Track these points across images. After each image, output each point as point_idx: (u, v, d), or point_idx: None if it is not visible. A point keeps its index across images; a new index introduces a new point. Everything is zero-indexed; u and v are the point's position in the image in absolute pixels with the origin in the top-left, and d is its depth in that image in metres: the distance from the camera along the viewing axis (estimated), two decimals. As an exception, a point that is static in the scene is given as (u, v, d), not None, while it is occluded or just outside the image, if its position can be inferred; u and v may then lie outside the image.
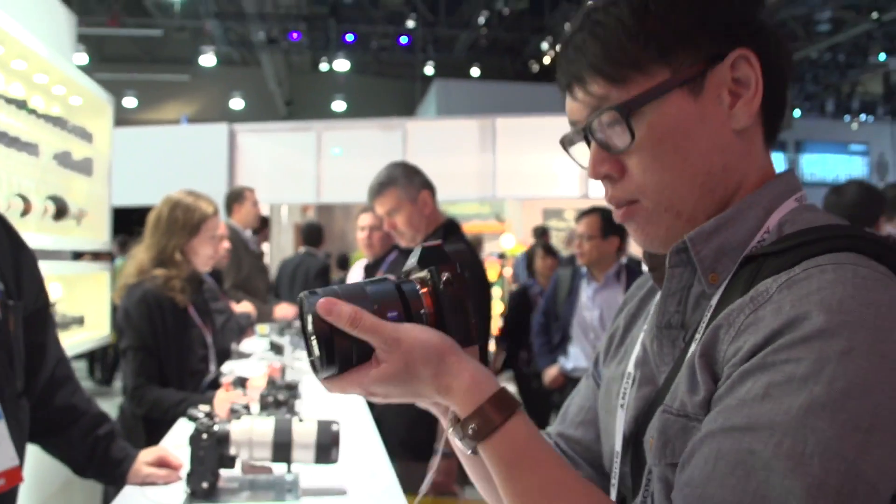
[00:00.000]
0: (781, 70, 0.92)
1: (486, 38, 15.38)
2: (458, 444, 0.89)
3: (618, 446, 0.97)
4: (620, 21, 0.88)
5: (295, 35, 14.47)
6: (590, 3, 0.94)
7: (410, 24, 14.36)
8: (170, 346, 2.93)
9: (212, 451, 1.71)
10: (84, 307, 4.81)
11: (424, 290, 0.87)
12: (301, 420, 1.80)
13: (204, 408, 1.81)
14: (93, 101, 4.90)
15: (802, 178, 18.17)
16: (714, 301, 0.87)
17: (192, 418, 1.77)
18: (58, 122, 4.37)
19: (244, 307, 4.49)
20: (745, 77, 0.88)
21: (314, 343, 0.84)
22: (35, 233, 4.02)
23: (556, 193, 9.04)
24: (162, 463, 1.96)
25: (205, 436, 1.71)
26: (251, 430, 1.76)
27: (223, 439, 1.73)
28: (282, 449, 1.75)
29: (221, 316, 4.09)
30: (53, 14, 4.94)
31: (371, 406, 3.01)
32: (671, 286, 0.93)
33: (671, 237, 0.92)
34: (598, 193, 7.44)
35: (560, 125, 0.99)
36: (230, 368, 3.29)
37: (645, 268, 1.07)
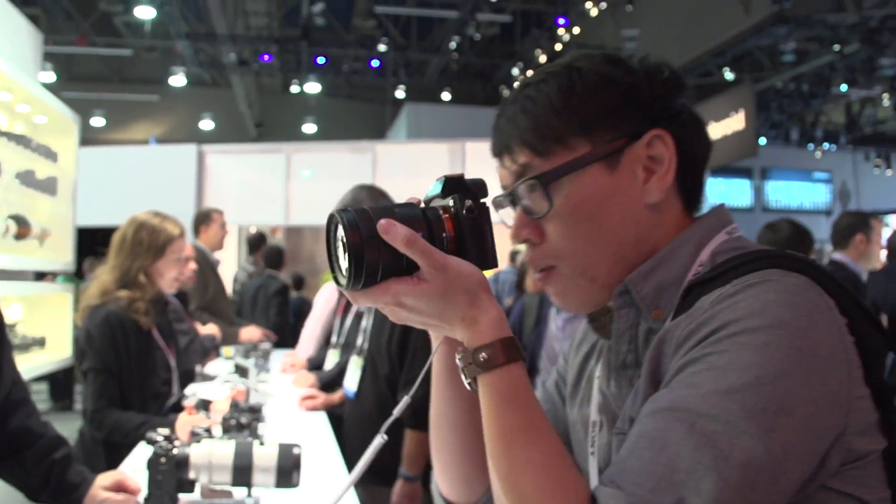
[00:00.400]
0: (697, 151, 1.00)
1: (457, 63, 15.47)
2: (451, 384, 0.99)
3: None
4: (548, 97, 0.97)
5: (266, 57, 14.42)
6: (524, 77, 1.04)
7: (382, 47, 14.39)
8: (132, 368, 2.88)
9: (170, 475, 1.68)
10: (45, 329, 4.73)
11: (446, 215, 0.91)
12: (262, 443, 1.78)
13: (163, 431, 1.78)
14: (58, 119, 4.85)
15: (768, 204, 18.63)
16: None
17: (151, 442, 1.74)
18: (21, 140, 4.31)
19: (209, 329, 4.44)
20: (660, 155, 0.96)
21: (341, 256, 0.88)
22: (-4, 252, 3.96)
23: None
24: (120, 487, 1.91)
25: (163, 459, 1.67)
26: (211, 454, 1.72)
27: (182, 463, 1.70)
28: (242, 472, 1.72)
29: (186, 337, 4.04)
30: (19, 32, 4.90)
31: (335, 429, 2.98)
32: (620, 327, 0.99)
33: (587, 301, 1.01)
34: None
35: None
36: (193, 391, 3.24)
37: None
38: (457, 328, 0.89)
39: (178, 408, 3.06)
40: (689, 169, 0.99)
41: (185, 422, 2.63)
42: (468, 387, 0.89)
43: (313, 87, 15.38)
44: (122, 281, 2.96)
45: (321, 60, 14.83)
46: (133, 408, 2.85)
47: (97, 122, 16.69)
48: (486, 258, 0.91)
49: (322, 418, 3.21)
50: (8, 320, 4.29)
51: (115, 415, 2.78)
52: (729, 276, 0.87)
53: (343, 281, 0.88)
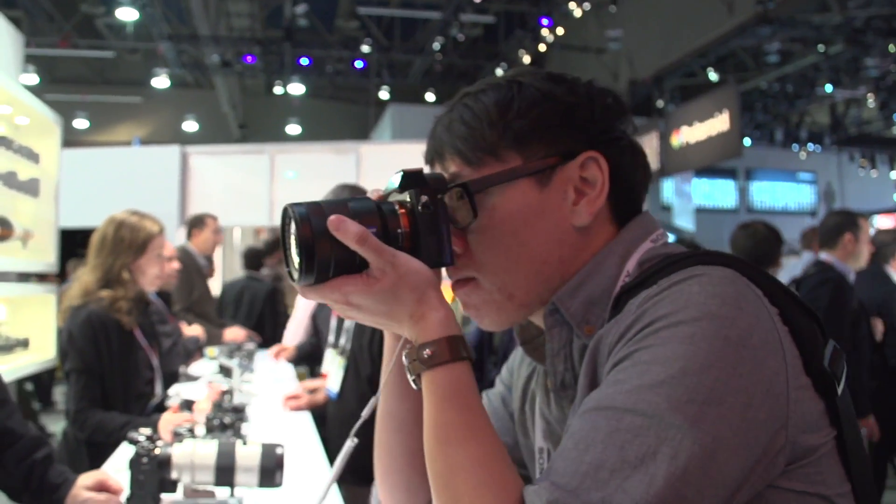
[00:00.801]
0: (634, 179, 0.99)
1: (441, 64, 15.48)
2: (400, 382, 0.99)
3: None
4: (486, 108, 0.95)
5: (249, 58, 14.38)
6: (466, 88, 1.01)
7: (366, 48, 14.37)
8: (114, 368, 2.87)
9: (152, 475, 1.67)
10: (29, 329, 4.70)
11: (402, 210, 0.91)
12: (245, 443, 1.78)
13: (145, 431, 1.77)
14: (40, 121, 4.83)
15: (752, 205, 18.72)
16: None
17: (133, 441, 1.74)
18: (2, 141, 4.29)
19: (194, 330, 4.44)
20: (593, 177, 0.94)
21: (294, 251, 0.88)
22: (-22, 254, 3.94)
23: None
24: (102, 487, 1.91)
25: (145, 459, 1.67)
26: (193, 454, 1.72)
27: (164, 463, 1.70)
28: (224, 472, 1.72)
29: (169, 339, 4.03)
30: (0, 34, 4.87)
31: (319, 429, 2.98)
32: (553, 346, 0.96)
33: (502, 318, 0.99)
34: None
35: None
36: (176, 391, 3.24)
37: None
38: (405, 326, 0.89)
39: (161, 408, 3.06)
40: (624, 195, 0.97)
41: (168, 421, 2.63)
42: (412, 384, 0.89)
43: (297, 89, 15.33)
44: (104, 280, 2.95)
45: (305, 62, 14.78)
46: (116, 408, 2.84)
47: (80, 124, 16.59)
48: (442, 255, 0.91)
49: (306, 418, 3.21)
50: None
51: (97, 415, 2.77)
52: (655, 278, 0.86)
53: (295, 275, 0.88)
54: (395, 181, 0.93)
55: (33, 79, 13.72)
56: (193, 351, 4.30)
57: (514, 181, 0.93)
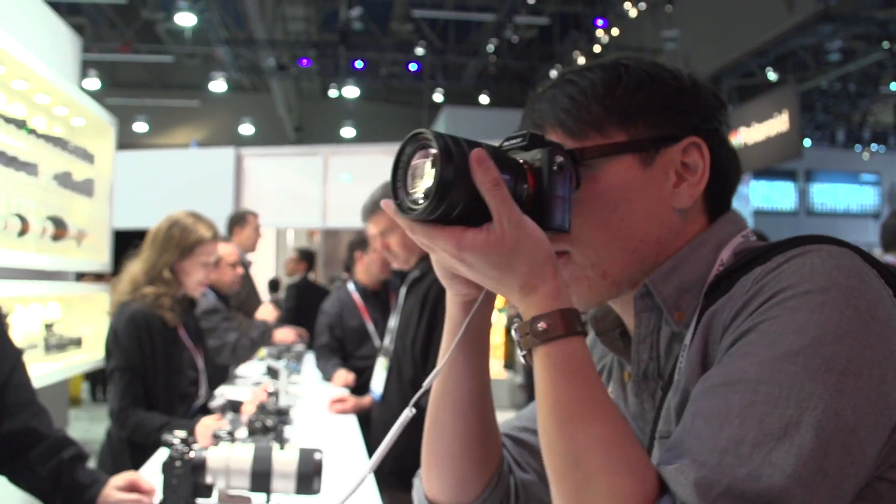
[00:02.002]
0: (729, 172, 0.98)
1: (495, 66, 15.42)
2: (466, 355, 0.95)
3: None
4: (592, 83, 0.94)
5: (305, 61, 14.52)
6: (568, 67, 1.00)
7: (420, 51, 14.40)
8: (157, 367, 2.86)
9: (185, 480, 1.64)
10: (82, 329, 4.76)
11: (527, 167, 0.85)
12: (282, 448, 1.73)
13: (180, 433, 1.74)
14: (96, 122, 4.90)
15: (812, 207, 18.28)
16: (687, 340, 0.88)
17: (167, 444, 1.70)
18: (58, 142, 4.35)
19: (264, 313, 4.41)
20: (694, 163, 0.93)
21: (423, 179, 0.79)
22: (35, 253, 4.00)
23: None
24: (133, 488, 1.88)
25: (178, 463, 1.64)
26: (228, 458, 1.68)
27: (199, 467, 1.66)
28: (260, 478, 1.67)
29: (234, 333, 4.03)
30: (58, 37, 4.95)
31: (364, 433, 2.93)
32: (640, 332, 0.93)
33: (592, 296, 0.95)
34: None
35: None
36: (222, 392, 3.22)
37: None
38: (514, 295, 0.83)
39: (205, 410, 3.04)
40: (719, 185, 0.96)
41: (207, 426, 2.60)
42: (522, 360, 0.84)
43: (352, 91, 15.41)
44: (148, 275, 2.95)
45: (359, 64, 14.87)
46: (158, 408, 2.82)
47: (140, 127, 16.97)
48: (563, 220, 0.85)
49: (352, 421, 3.17)
50: (46, 320, 4.35)
51: (138, 414, 2.76)
52: (768, 255, 0.82)
53: (414, 207, 0.79)
54: (517, 141, 0.87)
55: (95, 83, 14.06)
56: (259, 340, 4.23)
57: (618, 155, 0.91)
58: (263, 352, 4.49)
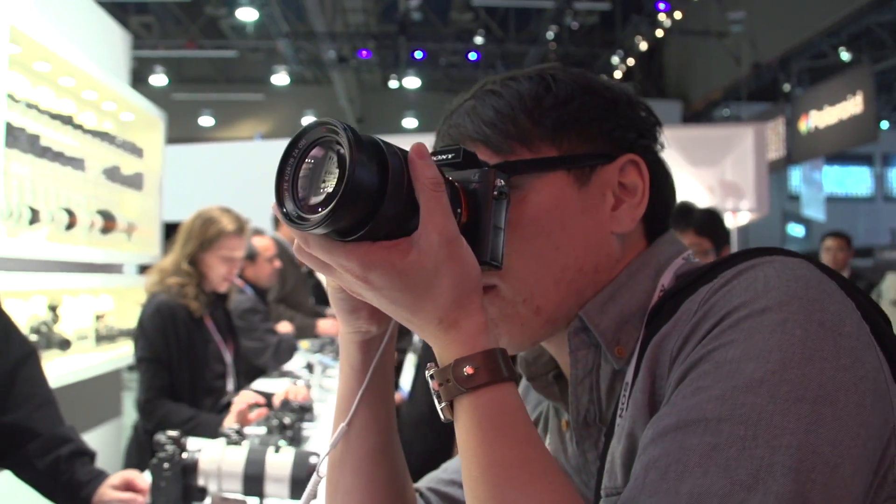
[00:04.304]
0: (665, 189, 0.89)
1: (556, 53, 15.16)
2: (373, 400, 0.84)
3: None
4: (518, 93, 0.84)
5: (365, 53, 14.54)
6: (485, 79, 0.89)
7: (479, 40, 14.30)
8: (182, 357, 2.84)
9: (175, 482, 1.60)
10: (133, 320, 4.84)
11: (461, 188, 0.74)
12: (278, 450, 1.68)
13: (171, 433, 1.69)
14: (144, 117, 4.97)
15: (891, 193, 17.55)
16: (629, 377, 0.76)
17: (158, 444, 1.67)
18: (105, 137, 4.42)
19: (283, 328, 4.43)
20: (633, 183, 0.84)
21: (324, 184, 0.64)
22: (85, 246, 4.07)
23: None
24: (128, 486, 1.86)
25: (167, 465, 1.59)
26: (221, 460, 1.64)
27: (190, 469, 1.62)
28: (253, 481, 1.62)
29: (275, 336, 4.04)
30: (107, 33, 5.03)
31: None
32: (577, 373, 0.81)
33: (526, 337, 0.83)
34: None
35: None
36: (257, 385, 3.21)
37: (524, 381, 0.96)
38: (429, 329, 0.70)
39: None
40: (657, 206, 0.86)
41: (245, 398, 2.57)
42: (441, 414, 0.71)
43: (412, 82, 15.38)
44: (174, 266, 2.95)
45: (419, 55, 14.82)
46: (184, 399, 2.81)
47: (206, 121, 17.34)
48: (496, 253, 0.73)
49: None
50: (97, 311, 4.43)
51: (165, 406, 2.75)
52: (713, 272, 0.72)
53: (307, 217, 0.64)
54: (439, 158, 0.75)
55: (162, 79, 14.39)
56: (295, 347, 4.28)
57: (549, 172, 0.81)
58: (308, 343, 4.49)
